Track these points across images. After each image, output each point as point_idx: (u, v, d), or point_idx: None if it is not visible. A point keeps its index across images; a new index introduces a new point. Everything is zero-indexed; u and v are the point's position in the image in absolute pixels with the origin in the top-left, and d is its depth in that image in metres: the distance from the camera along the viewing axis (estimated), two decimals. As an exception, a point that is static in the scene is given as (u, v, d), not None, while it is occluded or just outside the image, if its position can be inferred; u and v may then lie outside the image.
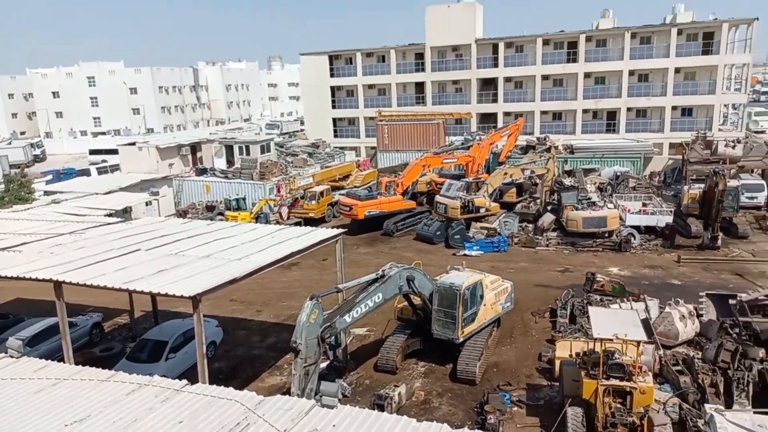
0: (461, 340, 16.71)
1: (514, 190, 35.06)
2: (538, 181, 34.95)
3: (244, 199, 35.92)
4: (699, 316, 18.29)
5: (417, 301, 17.24)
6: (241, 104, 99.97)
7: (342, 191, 38.42)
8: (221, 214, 34.73)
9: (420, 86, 55.70)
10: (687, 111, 48.82)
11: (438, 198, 33.35)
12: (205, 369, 12.65)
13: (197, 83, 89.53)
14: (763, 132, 55.65)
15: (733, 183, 30.96)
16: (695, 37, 47.52)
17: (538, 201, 34.11)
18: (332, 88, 58.67)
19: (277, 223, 33.01)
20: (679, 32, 47.10)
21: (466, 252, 28.85)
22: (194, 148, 48.58)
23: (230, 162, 43.62)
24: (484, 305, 17.57)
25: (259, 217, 34.88)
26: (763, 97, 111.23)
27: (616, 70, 48.68)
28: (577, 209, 29.66)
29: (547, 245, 29.73)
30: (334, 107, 59.05)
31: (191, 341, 15.56)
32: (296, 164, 43.46)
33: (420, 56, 55.02)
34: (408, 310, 17.83)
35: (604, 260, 27.10)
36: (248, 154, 42.61)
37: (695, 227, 29.07)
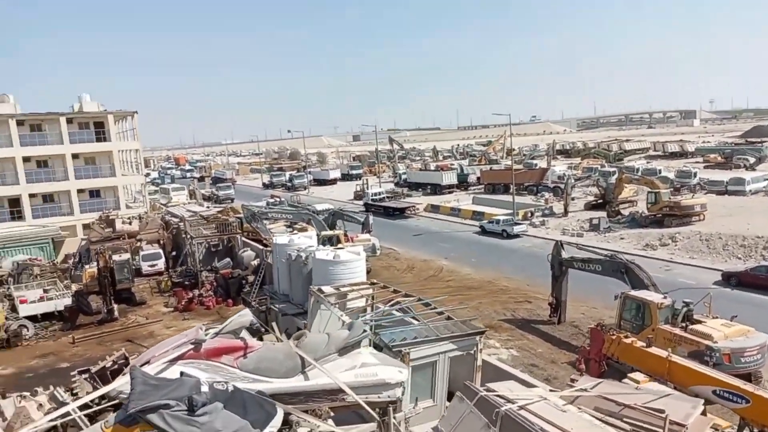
0: None
1: None
2: None
3: None
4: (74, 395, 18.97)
5: None
6: None
7: None
8: None
9: None
10: (95, 193, 51.06)
11: None
12: None
13: None
14: (177, 204, 61.76)
15: (124, 256, 34.25)
16: (87, 126, 50.34)
17: None
18: None
19: None
20: (70, 120, 48.78)
21: None
22: None
23: None
24: None
25: None
26: (188, 174, 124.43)
27: (8, 157, 46.07)
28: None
29: None
30: None
31: None
32: None
33: None
34: None
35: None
36: None
37: (95, 304, 30.56)
